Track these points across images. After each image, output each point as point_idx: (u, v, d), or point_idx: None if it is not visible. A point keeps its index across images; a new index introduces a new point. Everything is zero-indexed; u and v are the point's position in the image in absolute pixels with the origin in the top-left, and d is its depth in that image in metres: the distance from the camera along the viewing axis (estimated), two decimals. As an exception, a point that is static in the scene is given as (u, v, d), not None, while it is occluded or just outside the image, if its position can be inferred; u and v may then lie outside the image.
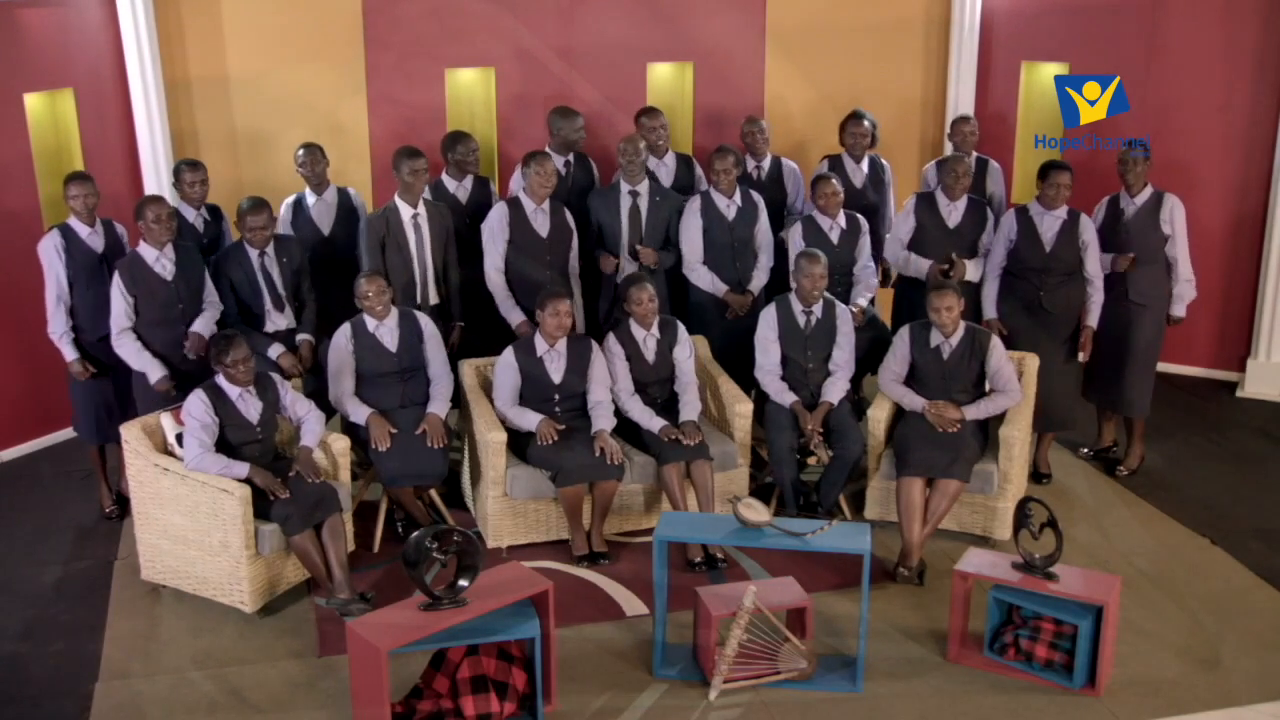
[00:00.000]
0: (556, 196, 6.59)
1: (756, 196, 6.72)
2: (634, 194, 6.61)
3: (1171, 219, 6.31)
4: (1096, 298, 6.29)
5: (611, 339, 5.98)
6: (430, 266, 6.33)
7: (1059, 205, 6.23)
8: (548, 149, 6.95)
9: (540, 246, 6.44)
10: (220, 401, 5.29)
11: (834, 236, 6.56)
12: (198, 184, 6.25)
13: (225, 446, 5.31)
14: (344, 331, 5.83)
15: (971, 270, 6.47)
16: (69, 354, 5.93)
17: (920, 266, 6.60)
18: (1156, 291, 6.39)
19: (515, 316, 6.46)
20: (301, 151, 6.52)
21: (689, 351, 6.06)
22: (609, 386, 5.90)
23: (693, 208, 6.61)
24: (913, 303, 6.70)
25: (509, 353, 5.86)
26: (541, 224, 6.44)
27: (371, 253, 6.31)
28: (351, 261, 6.58)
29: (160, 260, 5.78)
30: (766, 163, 7.11)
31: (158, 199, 5.91)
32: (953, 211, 6.58)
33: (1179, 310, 6.47)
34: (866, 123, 7.08)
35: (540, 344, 5.82)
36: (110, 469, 6.26)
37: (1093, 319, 6.30)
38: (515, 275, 6.46)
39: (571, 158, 6.99)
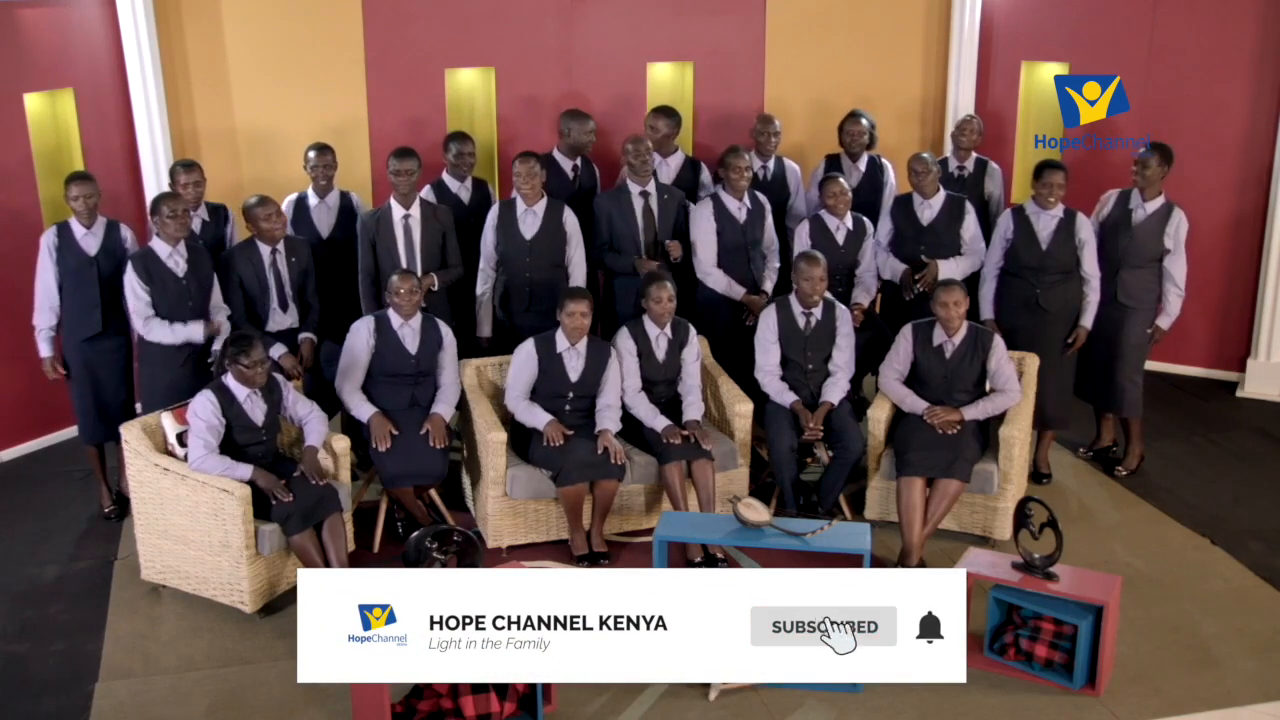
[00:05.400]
0: (560, 197, 6.59)
1: (762, 197, 6.73)
2: (645, 194, 6.61)
3: (1176, 233, 6.32)
4: (1093, 297, 6.28)
5: (624, 334, 5.98)
6: (420, 269, 6.32)
7: (1054, 205, 6.23)
8: (556, 151, 6.94)
9: (523, 249, 6.42)
10: (228, 403, 5.29)
11: (840, 237, 6.57)
12: (191, 185, 6.24)
13: (231, 447, 5.31)
14: (367, 324, 5.84)
15: (950, 269, 6.47)
16: (43, 350, 6.00)
17: (895, 269, 6.62)
18: (1146, 294, 6.39)
19: (484, 329, 6.52)
20: (313, 153, 6.50)
21: (697, 354, 6.07)
22: (620, 393, 5.90)
23: (704, 211, 6.60)
24: (899, 303, 6.74)
25: (530, 344, 5.86)
26: (529, 226, 6.42)
27: (363, 252, 6.31)
28: (350, 264, 6.57)
29: (173, 256, 5.80)
30: (772, 163, 7.11)
31: (173, 195, 5.94)
32: (926, 209, 6.59)
33: (1165, 322, 6.44)
34: (864, 122, 7.08)
35: (561, 341, 5.83)
36: (110, 469, 6.26)
37: (1087, 319, 6.30)
38: (504, 278, 6.48)
39: (579, 160, 6.99)
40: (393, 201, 6.31)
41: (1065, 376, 6.42)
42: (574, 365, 5.83)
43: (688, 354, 6.03)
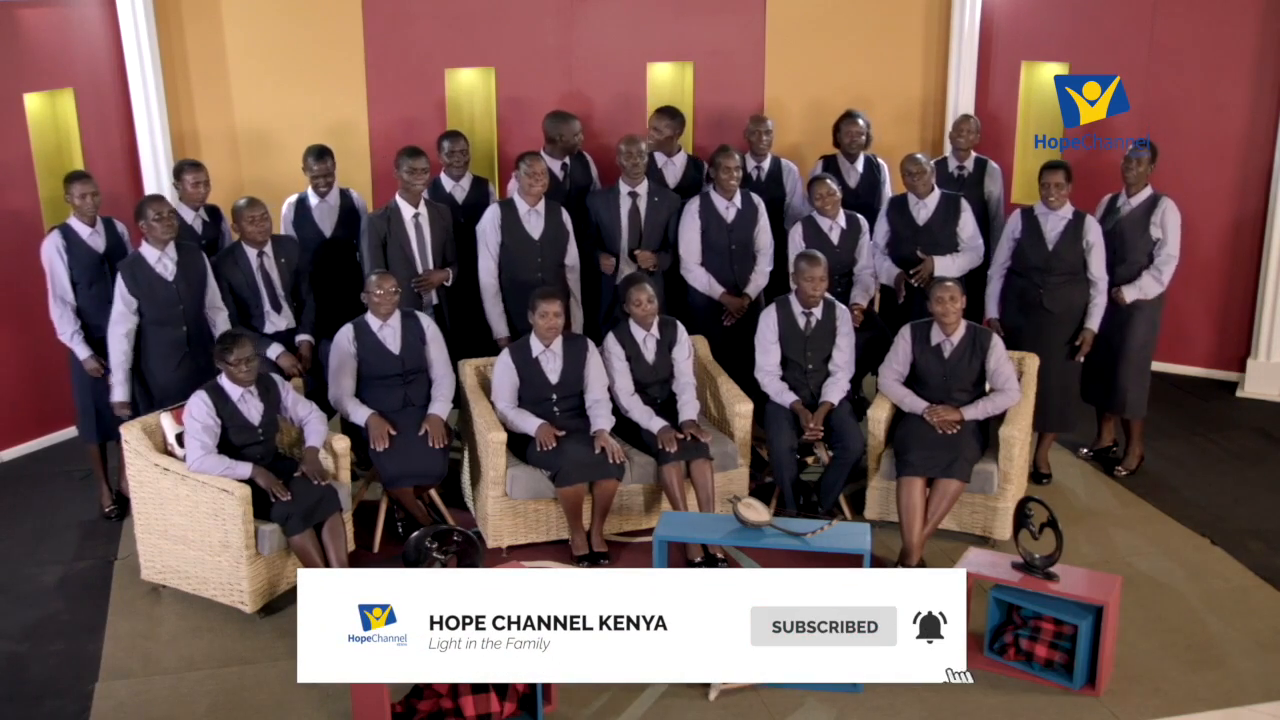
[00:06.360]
0: (554, 197, 6.59)
1: (757, 199, 6.72)
2: (634, 195, 6.61)
3: (1163, 222, 6.30)
4: (1099, 300, 6.26)
5: (611, 339, 5.98)
6: (431, 267, 6.33)
7: (1059, 205, 6.23)
8: (543, 153, 6.93)
9: (532, 248, 6.42)
10: (222, 403, 5.29)
11: (834, 237, 6.57)
12: (199, 185, 6.25)
13: (228, 448, 5.31)
14: (346, 333, 5.83)
15: (946, 265, 6.47)
16: (82, 353, 5.94)
17: (890, 272, 6.64)
18: None
19: (499, 328, 6.48)
20: (312, 159, 6.48)
21: (688, 352, 6.06)
22: (606, 385, 5.90)
23: (691, 209, 6.61)
24: (898, 303, 6.75)
25: (505, 354, 5.86)
26: (534, 225, 6.43)
27: (373, 252, 6.31)
28: (353, 263, 6.58)
29: (162, 260, 5.78)
30: (766, 163, 7.11)
31: (158, 198, 5.90)
32: (921, 209, 6.60)
33: (1128, 292, 6.27)
34: (860, 122, 7.08)
35: (536, 344, 5.82)
36: (110, 469, 6.26)
37: (1094, 322, 6.28)
38: (508, 277, 6.47)
39: (567, 160, 7.00)
40: (401, 201, 6.31)
41: (1068, 379, 6.40)
42: (552, 367, 5.83)
43: (678, 353, 6.02)
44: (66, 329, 5.93)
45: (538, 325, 5.77)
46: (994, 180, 7.13)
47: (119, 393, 5.79)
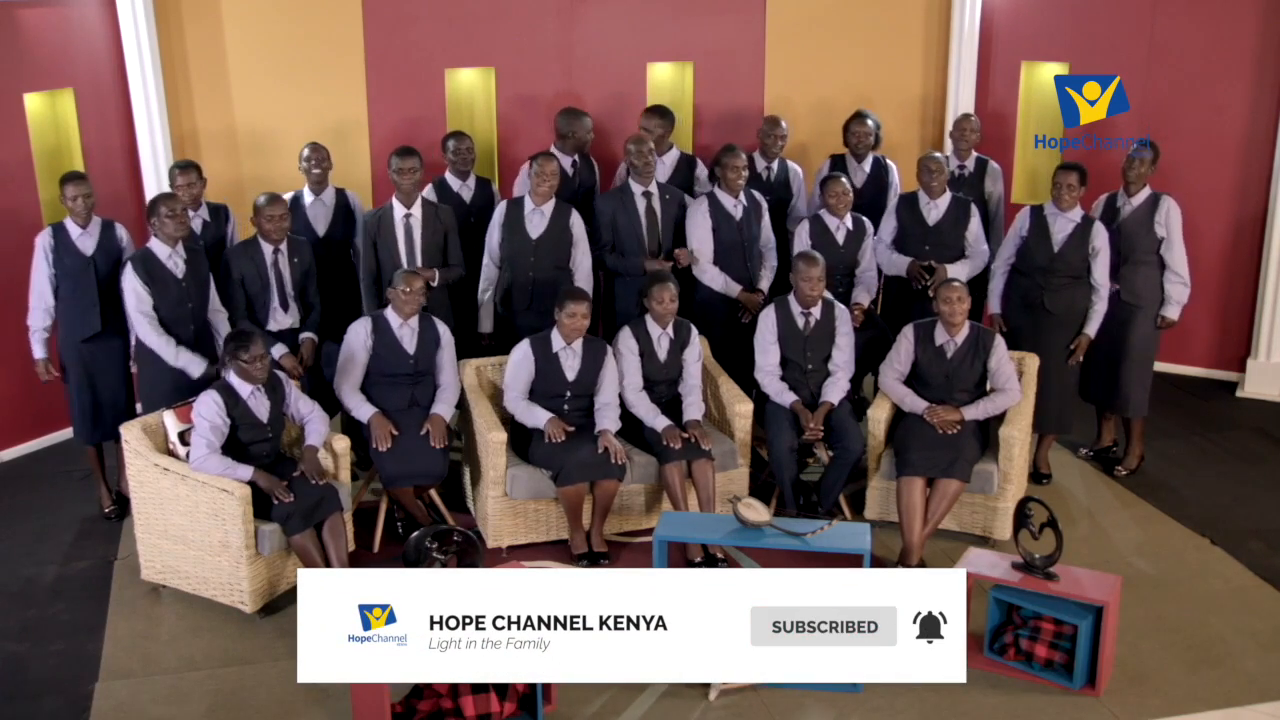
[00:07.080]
0: (561, 196, 6.59)
1: (759, 196, 6.73)
2: (648, 194, 6.62)
3: (1166, 221, 6.31)
4: (1100, 306, 6.26)
5: (626, 333, 5.98)
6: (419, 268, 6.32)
7: (1069, 206, 6.23)
8: (553, 149, 6.94)
9: (527, 248, 6.42)
10: (233, 402, 5.30)
11: (840, 237, 6.57)
12: (185, 187, 6.22)
13: (236, 445, 5.31)
14: (364, 325, 5.84)
15: (956, 272, 6.48)
16: (37, 352, 6.00)
17: (900, 263, 6.63)
18: (1150, 292, 6.39)
19: (485, 325, 6.55)
20: (307, 150, 6.50)
21: (698, 354, 6.07)
22: (618, 391, 5.90)
23: (700, 209, 6.60)
24: (900, 303, 6.75)
25: (525, 344, 5.86)
26: (536, 225, 6.43)
27: (365, 251, 6.32)
28: (346, 262, 6.58)
29: (172, 258, 5.79)
30: (776, 164, 7.12)
31: (171, 195, 5.92)
32: (933, 209, 6.60)
33: (1171, 312, 6.42)
34: (869, 123, 7.09)
35: (557, 340, 5.83)
36: (109, 469, 6.26)
37: (1091, 328, 6.27)
38: (506, 274, 6.48)
39: (576, 158, 7.00)
40: (395, 201, 6.32)
41: (1067, 381, 6.41)
42: (570, 365, 5.83)
43: (689, 354, 6.02)
44: (35, 323, 5.98)
45: (563, 324, 5.77)
46: (994, 180, 7.12)
47: (196, 369, 5.75)
